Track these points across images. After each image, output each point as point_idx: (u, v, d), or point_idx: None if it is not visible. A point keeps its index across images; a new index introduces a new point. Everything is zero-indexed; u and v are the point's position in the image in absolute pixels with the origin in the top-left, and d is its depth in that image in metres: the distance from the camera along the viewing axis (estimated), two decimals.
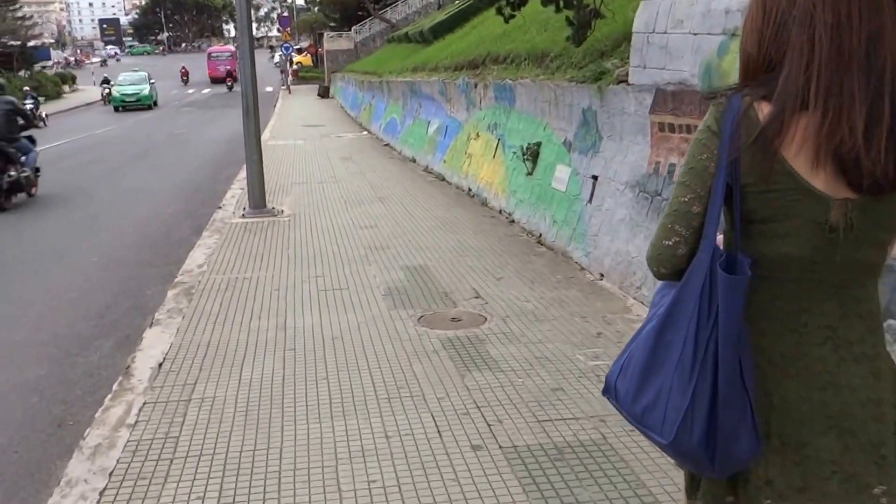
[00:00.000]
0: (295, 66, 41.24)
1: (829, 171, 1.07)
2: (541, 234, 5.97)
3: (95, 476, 2.71)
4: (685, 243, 1.16)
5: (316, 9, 49.59)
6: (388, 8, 33.22)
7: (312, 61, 45.07)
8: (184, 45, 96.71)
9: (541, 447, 2.79)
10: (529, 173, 6.39)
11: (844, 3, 1.05)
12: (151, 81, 29.08)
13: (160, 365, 3.68)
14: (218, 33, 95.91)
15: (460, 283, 4.95)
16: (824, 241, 1.10)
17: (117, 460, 2.79)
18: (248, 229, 6.80)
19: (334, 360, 3.67)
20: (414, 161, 11.32)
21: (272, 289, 4.91)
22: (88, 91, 36.82)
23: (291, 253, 5.87)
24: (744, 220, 1.13)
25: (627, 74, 4.68)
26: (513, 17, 6.58)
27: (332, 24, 41.49)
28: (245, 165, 7.77)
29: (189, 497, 2.54)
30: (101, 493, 2.59)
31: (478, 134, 8.25)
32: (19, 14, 41.90)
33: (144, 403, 3.26)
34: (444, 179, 9.34)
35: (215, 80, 41.48)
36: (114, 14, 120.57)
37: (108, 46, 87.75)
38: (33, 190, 9.18)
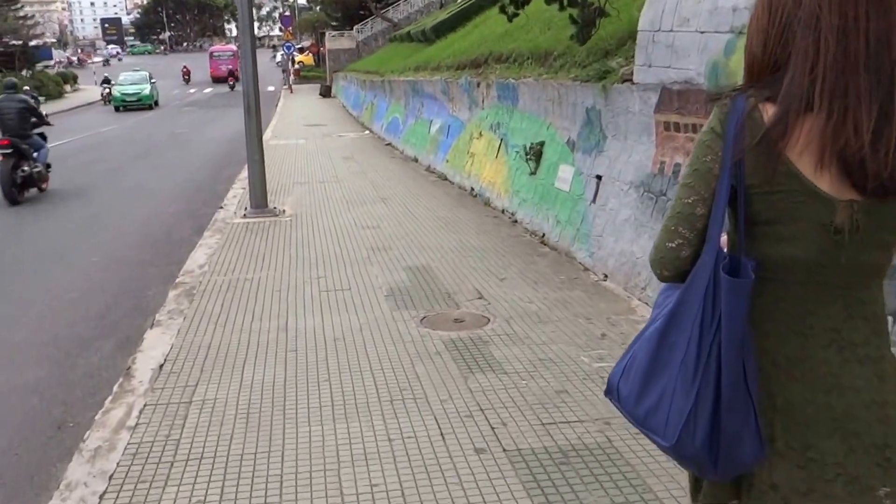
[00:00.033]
0: (297, 66, 41.24)
1: (833, 172, 1.06)
2: (544, 235, 5.94)
3: (95, 479, 2.68)
4: (689, 245, 1.15)
5: (318, 8, 49.57)
6: (389, 7, 33.21)
7: (314, 60, 45.05)
8: (185, 44, 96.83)
9: (545, 450, 2.76)
10: (532, 173, 6.36)
11: (851, 4, 1.04)
12: (152, 81, 28.96)
13: (161, 366, 3.66)
14: (220, 33, 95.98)
15: (463, 283, 4.91)
16: (829, 244, 1.09)
17: (117, 463, 2.77)
18: (250, 229, 6.77)
19: (336, 362, 3.64)
20: (416, 161, 11.29)
21: (274, 290, 4.88)
22: (90, 91, 36.79)
23: (293, 253, 5.85)
24: (748, 221, 1.12)
25: (632, 73, 4.64)
26: (516, 15, 6.55)
27: (334, 24, 41.47)
28: (247, 165, 7.75)
29: (189, 501, 2.51)
30: (100, 497, 2.56)
31: (480, 133, 8.22)
32: (21, 13, 41.97)
33: (145, 405, 3.24)
34: (446, 179, 9.31)
35: (217, 80, 41.52)
36: (115, 13, 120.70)
37: (110, 46, 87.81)
38: (44, 185, 9.59)
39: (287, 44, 37.78)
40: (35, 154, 9.19)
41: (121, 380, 3.55)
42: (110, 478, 2.68)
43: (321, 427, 2.98)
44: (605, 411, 3.01)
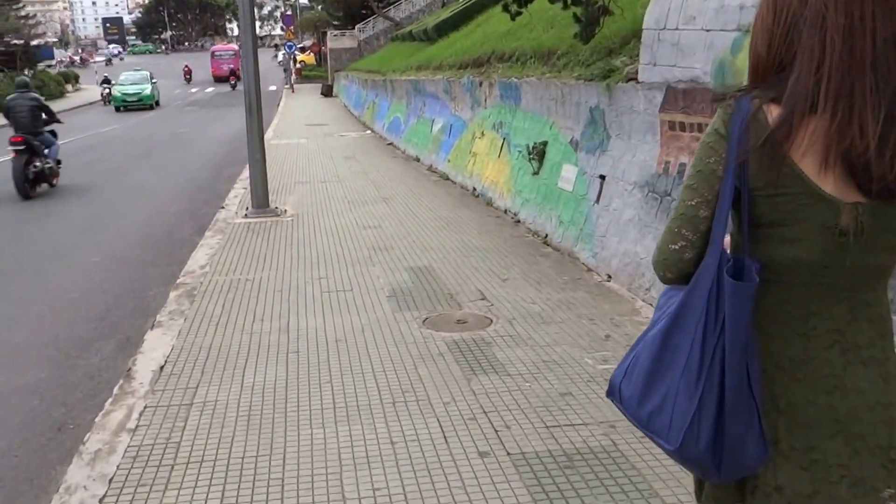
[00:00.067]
0: (298, 65, 41.23)
1: (838, 174, 1.05)
2: (547, 235, 5.90)
3: (95, 483, 2.66)
4: (692, 247, 1.15)
5: (319, 7, 49.55)
6: (391, 6, 33.18)
7: (316, 60, 45.04)
8: (187, 43, 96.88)
9: (549, 454, 2.73)
10: (535, 173, 6.32)
11: (857, 4, 1.03)
12: (153, 81, 28.73)
13: (161, 368, 3.63)
14: (221, 32, 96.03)
15: (465, 284, 4.88)
16: (834, 246, 1.09)
17: (117, 466, 2.75)
18: (251, 229, 6.75)
19: (338, 364, 3.62)
20: (418, 160, 11.26)
21: (275, 290, 4.86)
22: (92, 90, 36.68)
23: (294, 253, 5.82)
24: (752, 223, 1.12)
25: (637, 72, 4.60)
26: (519, 14, 6.51)
27: (336, 23, 41.46)
28: (248, 164, 7.72)
29: None
30: (100, 501, 2.54)
31: (483, 133, 8.19)
32: (22, 13, 41.98)
33: (145, 407, 3.21)
34: (448, 179, 9.28)
35: (219, 79, 41.52)
36: (117, 13, 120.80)
37: (111, 45, 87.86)
38: (55, 180, 9.88)
39: (288, 43, 37.76)
40: (46, 150, 9.50)
41: (121, 381, 3.53)
42: (110, 481, 2.65)
43: (323, 429, 2.95)
44: (610, 414, 2.98)
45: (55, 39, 75.20)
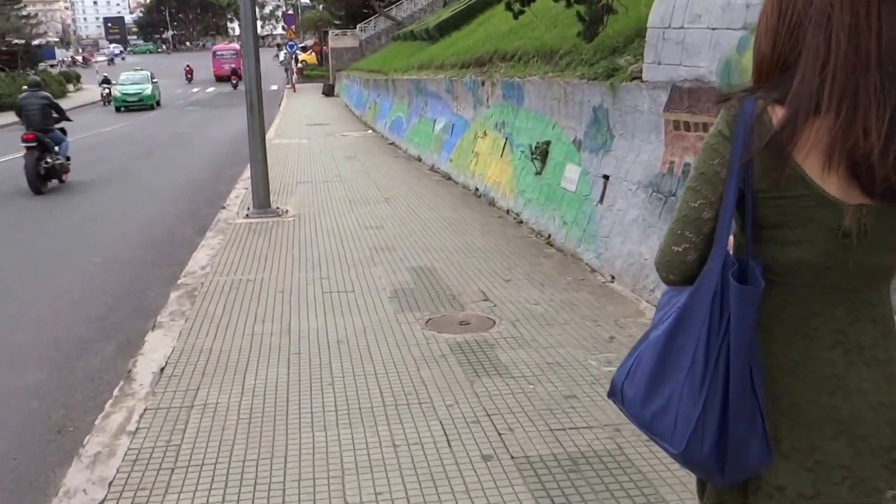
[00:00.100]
0: (300, 65, 41.20)
1: (841, 174, 1.05)
2: (550, 235, 5.87)
3: (94, 486, 2.63)
4: (695, 249, 1.15)
5: (321, 6, 49.52)
6: (393, 5, 33.14)
7: (317, 59, 45.01)
8: (188, 43, 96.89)
9: (554, 457, 2.70)
10: (538, 173, 6.29)
11: (863, 3, 1.03)
12: (154, 81, 28.42)
13: (162, 370, 3.60)
14: (223, 31, 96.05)
15: (468, 285, 4.85)
16: (837, 247, 1.09)
17: (117, 469, 2.72)
18: (252, 230, 6.72)
19: (340, 366, 3.59)
20: (419, 160, 11.23)
21: (276, 291, 4.83)
22: (93, 90, 36.56)
23: (296, 254, 5.79)
24: (755, 225, 1.12)
25: (641, 71, 4.57)
26: (522, 12, 6.48)
27: (337, 22, 41.40)
28: (249, 164, 7.70)
29: None
30: None
31: (485, 132, 8.15)
32: (24, 12, 41.99)
33: (146, 410, 3.19)
34: (450, 179, 9.25)
35: (220, 79, 41.50)
36: (118, 13, 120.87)
37: (112, 45, 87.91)
38: (64, 176, 10.14)
39: (290, 42, 37.73)
40: (57, 147, 9.77)
41: (121, 383, 3.50)
42: (110, 484, 2.63)
43: (325, 433, 2.92)
44: (615, 417, 2.95)
45: (56, 39, 75.23)
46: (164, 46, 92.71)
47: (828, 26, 1.03)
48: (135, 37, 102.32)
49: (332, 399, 3.23)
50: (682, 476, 2.52)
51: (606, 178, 5.08)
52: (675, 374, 1.15)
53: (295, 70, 37.29)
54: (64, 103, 27.89)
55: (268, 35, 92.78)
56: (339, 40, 35.47)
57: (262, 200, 7.34)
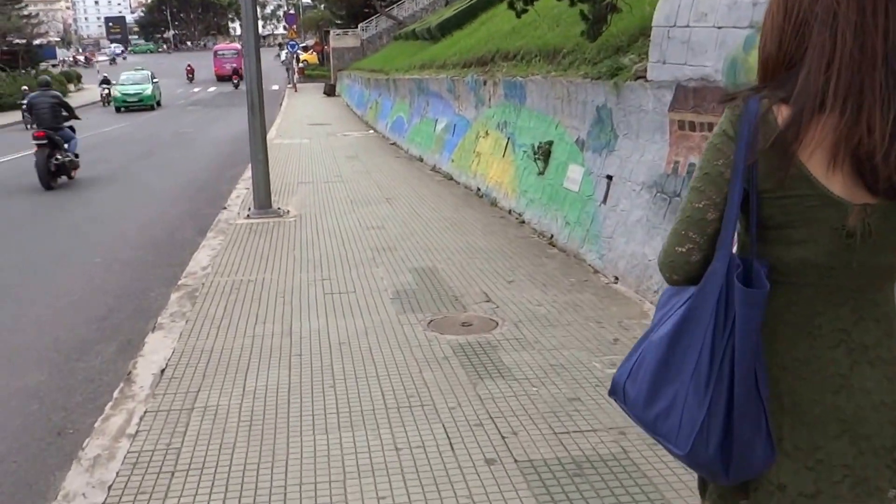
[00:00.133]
0: (301, 64, 41.18)
1: (846, 173, 1.05)
2: (552, 236, 5.84)
3: (94, 490, 2.61)
4: (699, 250, 1.14)
5: (322, 6, 49.50)
6: (394, 5, 33.10)
7: (318, 59, 44.99)
8: (189, 42, 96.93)
9: (558, 461, 2.67)
10: (541, 173, 6.25)
11: (870, 1, 1.03)
12: (154, 80, 28.21)
13: (162, 371, 3.58)
14: (224, 31, 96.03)
15: (470, 286, 4.82)
16: (842, 247, 1.08)
17: (117, 473, 2.70)
18: (253, 230, 6.69)
19: (341, 368, 3.56)
20: (421, 160, 11.20)
21: (277, 292, 4.80)
22: (94, 90, 36.56)
23: (297, 255, 5.77)
24: (760, 225, 1.11)
25: (645, 70, 4.53)
26: (525, 11, 6.45)
27: (339, 22, 41.38)
28: (250, 164, 7.67)
29: None
30: None
31: (487, 132, 8.12)
32: (25, 12, 42.00)
33: (146, 412, 3.16)
34: (451, 179, 9.22)
35: (221, 78, 41.50)
36: (119, 12, 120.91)
37: (113, 45, 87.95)
38: (73, 173, 10.42)
39: (291, 42, 37.72)
40: (66, 145, 10.10)
41: (121, 385, 3.48)
42: (109, 488, 2.60)
43: (326, 436, 2.90)
44: (620, 420, 2.92)
45: (57, 39, 75.28)
46: (164, 46, 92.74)
47: (833, 24, 1.03)
48: (136, 36, 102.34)
49: (333, 401, 3.20)
50: (689, 481, 2.49)
51: (610, 178, 5.05)
52: (680, 376, 1.14)
53: (296, 70, 37.28)
54: None
55: (269, 35, 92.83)
56: (340, 40, 35.44)
57: (263, 201, 7.31)
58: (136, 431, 2.99)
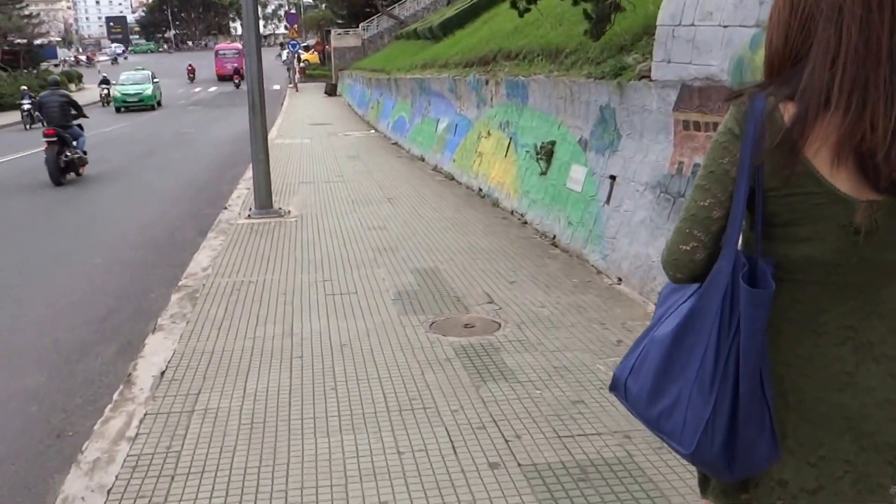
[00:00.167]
0: (302, 64, 41.16)
1: (850, 170, 1.05)
2: (555, 236, 5.80)
3: (93, 494, 2.58)
4: (703, 248, 1.14)
5: (323, 6, 49.50)
6: (396, 4, 33.06)
7: (319, 59, 44.97)
8: (190, 42, 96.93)
9: (562, 465, 2.64)
10: (543, 173, 6.22)
11: None
12: (155, 80, 28.08)
13: (162, 373, 3.55)
14: (225, 31, 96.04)
15: (472, 286, 4.79)
16: (848, 244, 1.08)
17: (116, 476, 2.67)
18: (254, 230, 6.66)
19: (343, 370, 3.53)
20: (422, 160, 11.17)
21: (279, 293, 4.77)
22: (95, 90, 36.59)
23: (298, 255, 5.74)
24: (765, 223, 1.11)
25: (650, 70, 4.49)
26: (528, 10, 6.42)
27: (340, 21, 41.36)
28: (251, 164, 7.64)
29: None
30: None
31: (489, 132, 8.09)
32: (26, 12, 41.99)
33: (146, 415, 3.13)
34: (453, 179, 9.19)
35: (222, 78, 41.50)
36: (120, 12, 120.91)
37: (114, 45, 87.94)
38: (81, 170, 10.74)
39: (292, 42, 37.70)
40: (75, 142, 10.43)
41: (121, 387, 3.45)
42: (108, 492, 2.57)
43: (328, 439, 2.87)
44: (625, 423, 2.89)
45: (58, 38, 75.30)
46: (165, 46, 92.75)
47: (839, 19, 1.03)
48: (137, 36, 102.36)
49: (335, 404, 3.17)
50: (695, 486, 2.45)
51: (613, 178, 5.01)
52: (684, 374, 1.14)
53: (297, 69, 37.25)
54: None
55: (270, 34, 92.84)
56: (341, 39, 35.42)
57: (264, 201, 7.29)
58: (136, 434, 2.96)
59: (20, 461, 3.07)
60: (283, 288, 4.88)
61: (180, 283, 5.08)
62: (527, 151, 6.65)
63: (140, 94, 26.78)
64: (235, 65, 38.42)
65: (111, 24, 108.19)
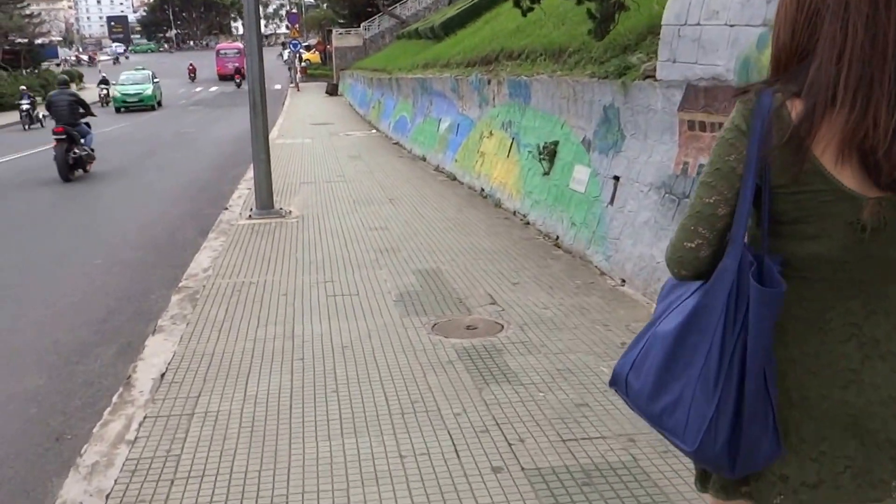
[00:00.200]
0: (303, 64, 41.15)
1: (854, 167, 1.05)
2: (558, 237, 5.77)
3: (92, 498, 2.56)
4: (708, 245, 1.14)
5: (325, 5, 49.48)
6: (397, 4, 33.03)
7: (321, 58, 44.96)
8: (192, 42, 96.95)
9: (566, 469, 2.60)
10: (546, 173, 6.19)
11: None
12: (155, 80, 27.98)
13: (162, 375, 3.52)
14: (226, 30, 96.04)
15: (475, 288, 4.76)
16: (855, 241, 1.08)
17: (115, 480, 2.64)
18: (255, 231, 6.63)
19: (344, 372, 3.50)
20: (424, 160, 11.14)
21: (279, 294, 4.74)
22: (94, 90, 36.52)
23: (299, 256, 5.71)
24: (772, 220, 1.11)
25: (655, 69, 4.46)
26: (531, 9, 6.39)
27: (341, 21, 41.34)
28: (252, 164, 7.61)
29: None
30: None
31: (491, 132, 8.05)
32: (27, 11, 41.98)
33: (145, 417, 3.10)
34: (455, 179, 9.16)
35: (223, 78, 41.49)
36: (122, 12, 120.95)
37: (115, 44, 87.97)
38: (89, 167, 11.06)
39: (293, 41, 37.67)
40: (83, 140, 10.72)
41: (121, 389, 3.42)
42: (107, 497, 2.55)
43: (329, 443, 2.83)
44: (630, 427, 2.86)
45: (60, 38, 75.34)
46: (166, 45, 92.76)
47: (845, 16, 1.03)
48: (138, 36, 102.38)
49: (336, 407, 3.14)
50: (707, 496, 2.43)
51: (617, 178, 4.98)
52: (688, 371, 1.14)
53: (298, 69, 37.23)
54: None
55: (271, 34, 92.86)
56: (342, 39, 35.38)
57: (265, 201, 7.26)
58: (136, 438, 2.93)
59: (19, 464, 3.04)
60: (284, 289, 4.85)
61: (181, 284, 5.05)
62: (529, 152, 6.62)
63: (140, 94, 26.69)
64: (237, 64, 38.40)
65: (112, 23, 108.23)
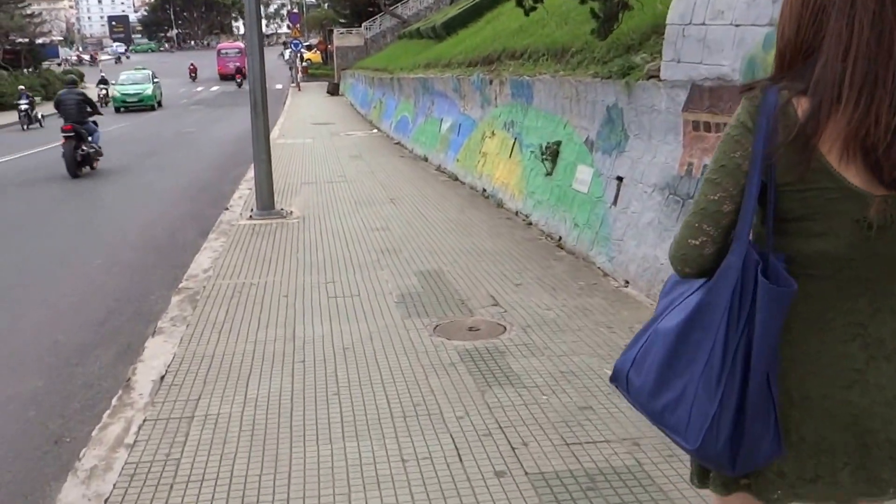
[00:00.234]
0: (304, 63, 41.12)
1: (858, 165, 1.04)
2: (560, 238, 5.74)
3: (90, 503, 2.53)
4: (713, 243, 1.13)
5: (326, 5, 49.47)
6: (398, 3, 33.01)
7: (322, 58, 44.93)
8: (193, 42, 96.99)
9: (570, 473, 2.58)
10: (548, 174, 6.16)
11: None
12: (155, 80, 27.84)
13: (162, 378, 3.49)
14: (227, 30, 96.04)
15: (477, 289, 4.73)
16: (862, 239, 1.08)
17: (114, 485, 2.61)
18: (256, 231, 6.61)
19: (346, 375, 3.47)
20: (426, 160, 11.11)
21: (280, 295, 4.71)
22: (94, 89, 36.36)
23: (300, 257, 5.68)
24: (778, 218, 1.10)
25: (658, 69, 4.42)
26: (534, 9, 6.36)
27: (342, 21, 41.31)
28: (253, 165, 7.59)
29: None
30: None
31: (493, 132, 8.02)
32: (28, 11, 41.99)
33: (144, 420, 3.07)
34: (457, 179, 9.13)
35: (224, 77, 41.47)
36: (123, 11, 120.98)
37: (116, 44, 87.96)
38: (95, 164, 11.39)
39: (294, 41, 37.65)
40: (90, 137, 11.06)
41: (120, 392, 3.39)
42: (106, 501, 2.52)
43: (330, 446, 2.80)
44: (634, 430, 2.83)
45: (60, 38, 75.38)
46: (167, 45, 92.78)
47: (851, 12, 1.03)
48: (139, 35, 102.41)
49: (337, 410, 3.11)
50: (706, 494, 2.39)
51: (620, 179, 4.95)
52: (690, 368, 1.13)
53: (300, 69, 37.20)
54: None
55: (273, 34, 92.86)
56: (344, 39, 35.35)
57: (265, 201, 7.23)
58: (135, 441, 2.90)
59: (17, 467, 3.02)
60: (285, 290, 4.82)
61: (181, 285, 5.03)
62: (532, 152, 6.58)
63: (140, 94, 26.57)
64: (238, 64, 38.37)
65: (113, 23, 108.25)
